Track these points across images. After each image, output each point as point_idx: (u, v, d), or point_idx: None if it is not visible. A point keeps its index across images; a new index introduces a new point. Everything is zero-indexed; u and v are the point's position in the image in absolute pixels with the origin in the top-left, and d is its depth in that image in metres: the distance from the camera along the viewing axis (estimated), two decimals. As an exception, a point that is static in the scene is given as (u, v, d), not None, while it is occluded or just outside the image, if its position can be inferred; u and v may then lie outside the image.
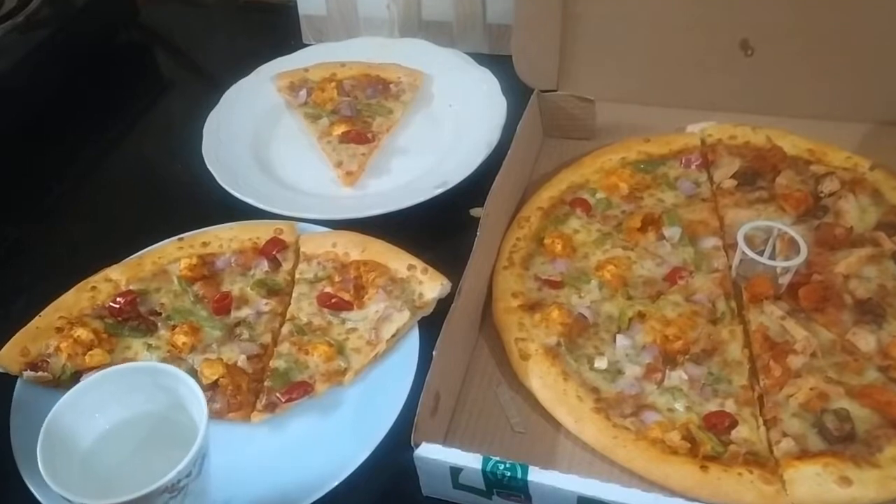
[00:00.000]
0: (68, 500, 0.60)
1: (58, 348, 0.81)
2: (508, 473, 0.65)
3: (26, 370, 0.80)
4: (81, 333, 0.82)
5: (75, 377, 0.80)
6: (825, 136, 0.97)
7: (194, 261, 0.89)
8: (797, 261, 0.80)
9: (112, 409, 0.69)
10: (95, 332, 0.83)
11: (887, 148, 0.96)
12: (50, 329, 0.83)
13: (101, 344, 0.82)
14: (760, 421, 0.72)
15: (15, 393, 0.79)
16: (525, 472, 0.64)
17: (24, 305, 0.87)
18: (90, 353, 0.81)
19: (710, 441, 0.70)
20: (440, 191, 0.98)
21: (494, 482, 0.66)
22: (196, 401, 0.66)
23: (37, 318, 0.84)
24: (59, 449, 0.64)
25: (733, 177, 0.94)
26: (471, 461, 0.66)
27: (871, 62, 0.98)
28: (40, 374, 0.80)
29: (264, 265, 0.90)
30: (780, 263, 0.81)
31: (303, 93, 1.16)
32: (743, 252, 0.82)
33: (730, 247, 0.86)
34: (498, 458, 0.65)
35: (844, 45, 0.97)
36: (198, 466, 0.64)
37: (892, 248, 0.84)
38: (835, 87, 1.00)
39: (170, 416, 0.69)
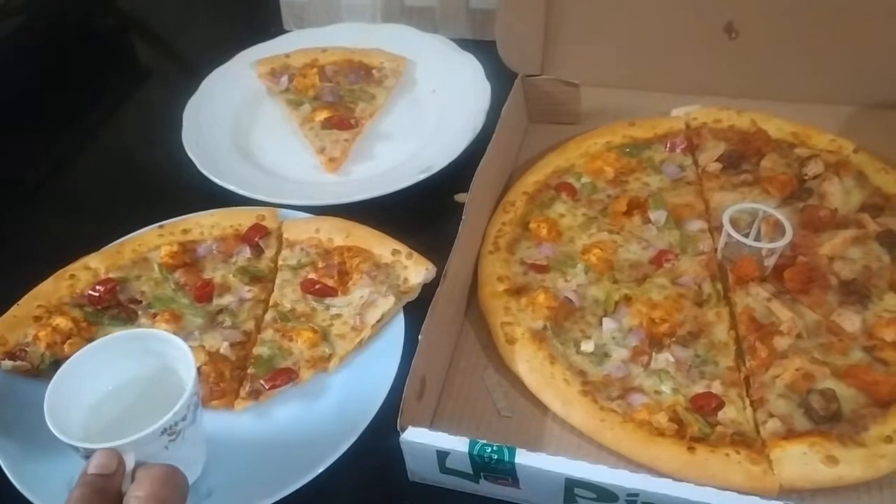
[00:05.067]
0: (75, 447, 0.61)
1: (36, 337, 0.80)
2: (496, 456, 0.64)
3: (4, 359, 0.78)
4: (60, 322, 0.81)
5: (54, 366, 0.78)
6: (809, 119, 0.97)
7: (175, 248, 0.88)
8: (782, 242, 0.80)
9: (105, 377, 0.69)
10: (74, 321, 0.82)
11: (871, 130, 0.96)
12: (28, 318, 0.81)
13: (81, 332, 0.81)
14: (747, 402, 0.72)
15: (-8, 382, 0.78)
16: (512, 454, 0.64)
17: (2, 294, 0.84)
18: (69, 341, 0.80)
19: (697, 422, 0.70)
20: (424, 176, 0.97)
21: (482, 465, 0.65)
22: (185, 358, 0.66)
23: (14, 306, 0.82)
24: (60, 414, 0.64)
25: (718, 160, 0.94)
26: (457, 445, 0.65)
27: (854, 45, 0.98)
28: (18, 363, 0.78)
29: (246, 252, 0.89)
30: (765, 245, 0.81)
31: (284, 79, 1.15)
32: (728, 234, 0.82)
33: (715, 229, 0.86)
34: (485, 442, 0.65)
35: (828, 27, 0.97)
36: (192, 413, 0.65)
37: (877, 230, 0.84)
38: (819, 69, 1.00)
39: (161, 378, 0.69)
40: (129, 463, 0.60)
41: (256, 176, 1.02)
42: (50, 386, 0.65)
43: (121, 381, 0.69)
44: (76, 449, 0.61)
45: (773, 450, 0.68)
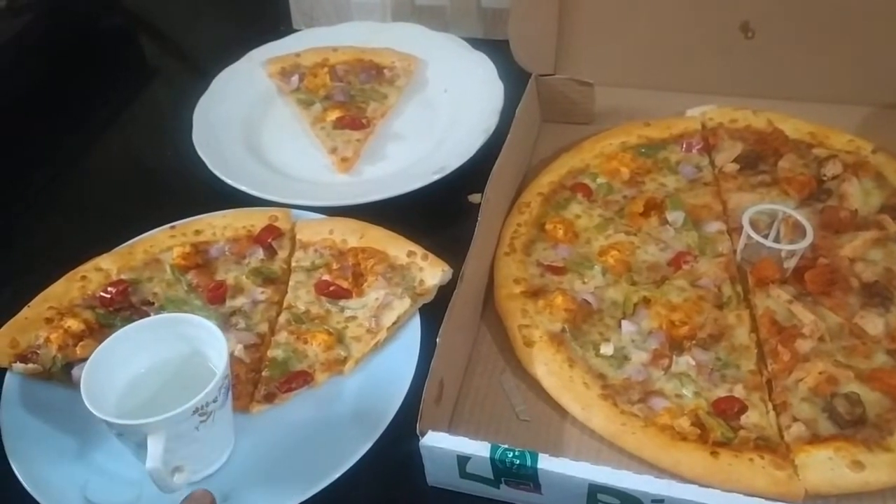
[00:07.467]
0: (109, 422, 0.63)
1: (48, 339, 0.79)
2: (518, 461, 0.63)
3: (16, 362, 0.77)
4: (72, 324, 0.80)
5: (66, 369, 0.77)
6: (827, 119, 0.96)
7: (187, 249, 0.87)
8: (804, 244, 0.79)
9: (138, 360, 0.70)
10: (86, 323, 0.81)
11: (889, 131, 0.96)
12: (39, 320, 0.81)
13: (93, 334, 0.80)
14: (770, 406, 0.71)
15: (4, 385, 0.77)
16: (535, 459, 0.63)
17: (12, 296, 0.84)
18: (81, 343, 0.79)
19: (719, 427, 0.69)
20: (438, 176, 0.96)
21: (503, 470, 0.64)
22: (217, 342, 0.68)
23: (26, 308, 0.81)
24: (95, 393, 0.65)
25: (735, 160, 0.93)
26: (479, 449, 0.64)
27: (872, 44, 0.97)
28: (30, 366, 0.77)
29: (259, 253, 0.88)
30: (786, 247, 0.80)
31: (295, 78, 1.14)
32: (748, 236, 0.81)
33: (734, 231, 0.85)
34: (507, 446, 0.64)
35: (845, 27, 0.97)
36: (223, 396, 0.66)
37: (898, 231, 0.84)
38: (836, 69, 0.99)
39: (192, 362, 0.70)
40: (160, 442, 0.62)
41: (268, 176, 1.01)
42: (86, 367, 0.67)
43: (153, 364, 0.71)
44: (109, 425, 0.63)
45: (798, 455, 0.67)
